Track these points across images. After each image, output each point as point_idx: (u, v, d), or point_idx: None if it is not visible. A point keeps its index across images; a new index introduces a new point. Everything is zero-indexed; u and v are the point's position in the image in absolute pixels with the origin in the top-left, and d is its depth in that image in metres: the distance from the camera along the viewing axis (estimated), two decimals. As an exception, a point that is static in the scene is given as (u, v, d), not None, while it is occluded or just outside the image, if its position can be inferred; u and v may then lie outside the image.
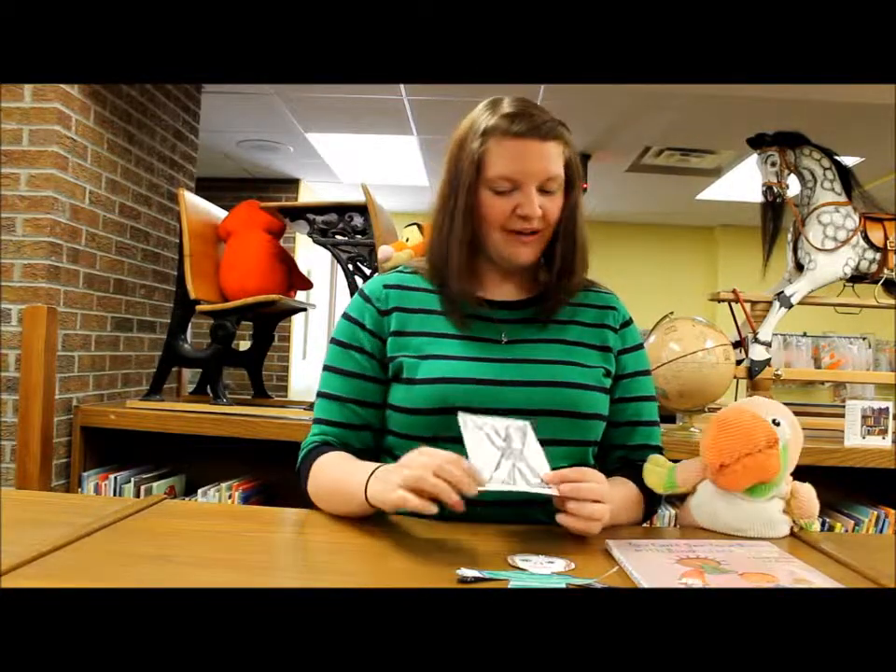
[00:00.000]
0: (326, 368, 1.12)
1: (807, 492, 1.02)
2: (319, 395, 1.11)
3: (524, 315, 1.11)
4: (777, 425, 0.99)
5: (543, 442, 0.95)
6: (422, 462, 0.86)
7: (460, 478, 0.84)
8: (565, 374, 1.05)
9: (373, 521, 0.98)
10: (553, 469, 0.92)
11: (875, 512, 1.92)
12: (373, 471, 0.93)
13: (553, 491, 0.88)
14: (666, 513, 1.93)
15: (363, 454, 1.08)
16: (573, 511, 0.89)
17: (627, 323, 1.16)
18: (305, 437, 1.12)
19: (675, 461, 1.08)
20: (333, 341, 1.12)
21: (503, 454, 0.90)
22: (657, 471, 1.05)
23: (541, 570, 0.80)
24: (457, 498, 0.83)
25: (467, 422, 0.92)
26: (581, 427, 1.06)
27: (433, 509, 0.84)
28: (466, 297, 1.09)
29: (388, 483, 0.88)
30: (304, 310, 2.55)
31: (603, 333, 1.13)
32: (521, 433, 0.94)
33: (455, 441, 0.94)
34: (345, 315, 1.13)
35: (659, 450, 1.15)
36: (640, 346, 1.17)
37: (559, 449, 1.02)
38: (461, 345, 1.06)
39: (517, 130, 1.01)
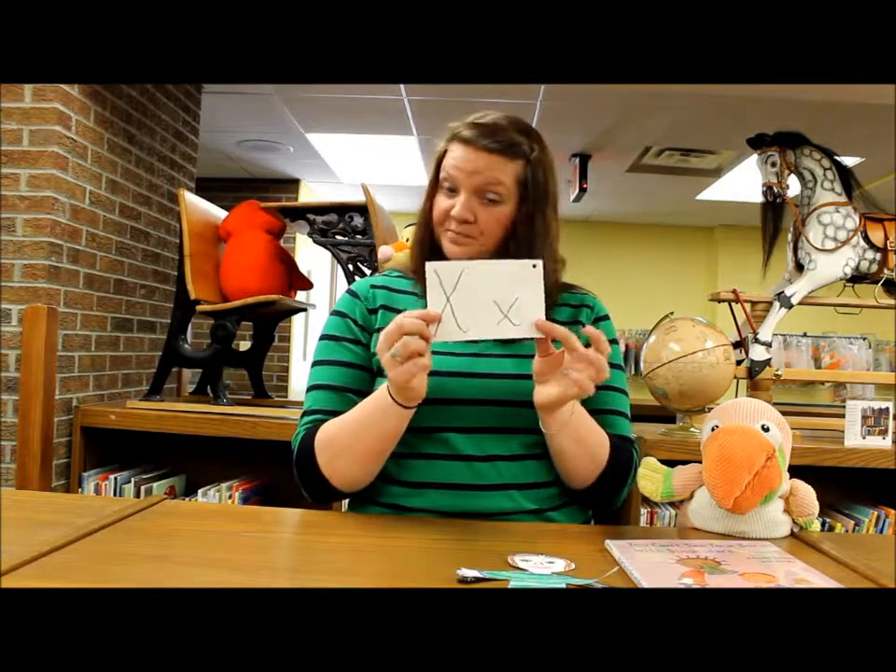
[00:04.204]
0: (318, 363, 1.13)
1: (806, 489, 1.02)
2: (312, 388, 1.12)
3: None
4: (767, 430, 0.99)
5: (508, 431, 1.04)
6: (387, 331, 0.91)
7: (420, 327, 0.89)
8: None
9: (374, 521, 0.98)
10: (514, 456, 1.03)
11: (875, 512, 1.92)
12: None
13: (528, 333, 0.90)
14: (667, 513, 1.94)
15: None
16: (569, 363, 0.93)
17: (601, 318, 1.18)
18: None
19: (675, 462, 1.07)
20: (324, 337, 1.14)
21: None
22: (654, 478, 1.04)
23: (541, 570, 0.80)
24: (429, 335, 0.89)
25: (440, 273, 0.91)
26: None
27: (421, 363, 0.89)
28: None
29: (387, 369, 0.92)
30: (304, 310, 2.55)
31: (575, 329, 1.14)
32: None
33: (438, 430, 0.99)
34: (335, 312, 1.16)
35: (630, 441, 1.14)
36: (613, 341, 1.17)
37: (524, 437, 1.05)
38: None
39: (466, 136, 1.06)
